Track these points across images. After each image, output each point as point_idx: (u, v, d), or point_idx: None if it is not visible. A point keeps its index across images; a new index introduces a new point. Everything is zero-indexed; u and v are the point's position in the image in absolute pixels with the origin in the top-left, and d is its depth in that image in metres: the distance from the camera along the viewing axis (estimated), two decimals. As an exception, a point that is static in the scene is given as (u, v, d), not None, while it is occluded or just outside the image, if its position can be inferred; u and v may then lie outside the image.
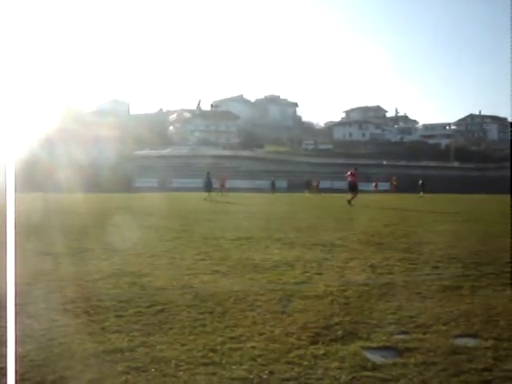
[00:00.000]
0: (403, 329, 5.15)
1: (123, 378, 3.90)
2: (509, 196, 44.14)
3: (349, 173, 31.51)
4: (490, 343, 4.72)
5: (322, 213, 23.98)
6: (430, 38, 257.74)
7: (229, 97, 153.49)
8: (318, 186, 63.25)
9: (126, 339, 4.76)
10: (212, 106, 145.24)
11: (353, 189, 30.24)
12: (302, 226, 15.93)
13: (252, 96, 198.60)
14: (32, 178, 38.93)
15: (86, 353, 4.42)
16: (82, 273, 7.86)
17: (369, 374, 4.02)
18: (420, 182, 56.93)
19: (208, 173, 43.70)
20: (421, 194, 52.54)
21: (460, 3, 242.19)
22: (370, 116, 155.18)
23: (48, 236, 12.88)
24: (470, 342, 4.79)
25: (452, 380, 3.93)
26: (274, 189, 61.78)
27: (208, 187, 41.89)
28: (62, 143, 61.15)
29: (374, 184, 64.58)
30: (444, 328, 5.17)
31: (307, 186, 62.61)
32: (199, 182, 71.70)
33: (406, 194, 56.40)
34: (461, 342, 4.80)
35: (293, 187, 71.52)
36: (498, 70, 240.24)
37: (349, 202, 28.63)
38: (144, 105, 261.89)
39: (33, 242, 11.03)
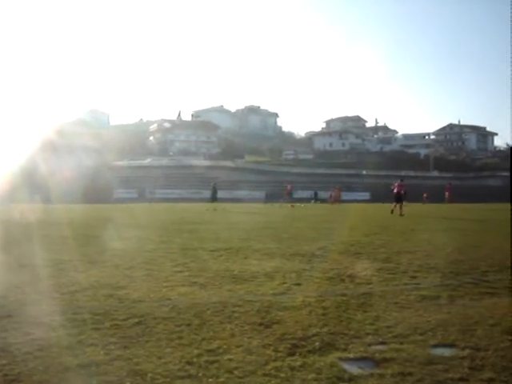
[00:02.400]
0: (380, 339, 5.14)
1: (97, 392, 3.86)
2: (485, 205, 44.75)
3: (396, 184, 32.63)
4: (466, 353, 4.72)
5: (303, 223, 24.01)
6: (409, 49, 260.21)
7: (209, 107, 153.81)
8: (290, 192, 59.03)
9: (102, 352, 4.70)
10: (192, 116, 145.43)
11: (398, 199, 31.43)
12: (281, 236, 15.92)
13: (232, 106, 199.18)
14: (10, 189, 38.63)
15: (61, 366, 4.36)
16: (58, 285, 7.77)
17: (346, 385, 4.01)
18: (402, 192, 56.88)
19: (214, 184, 44.62)
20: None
21: (437, 11, 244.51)
22: (350, 126, 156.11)
23: (24, 248, 12.75)
24: (447, 352, 4.79)
25: (428, 390, 3.93)
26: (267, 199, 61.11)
27: (214, 197, 42.60)
28: (41, 154, 60.70)
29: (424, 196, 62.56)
30: (421, 338, 5.18)
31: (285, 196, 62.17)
32: (179, 192, 71.91)
33: (383, 203, 56.67)
34: (437, 351, 4.81)
35: (272, 197, 71.49)
36: (477, 80, 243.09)
37: (392, 211, 30.46)
38: (124, 115, 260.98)
39: (8, 254, 10.92)
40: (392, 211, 30.39)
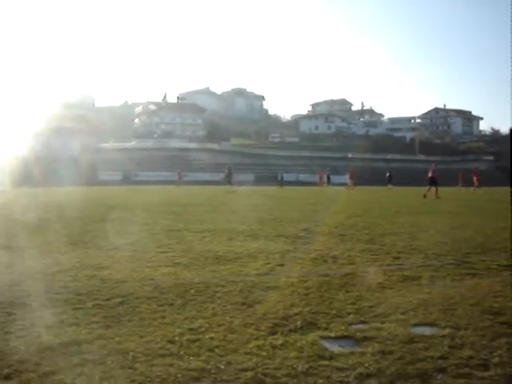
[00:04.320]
0: (362, 318, 5.18)
1: (78, 371, 3.85)
2: (469, 188, 45.02)
3: (431, 169, 33.66)
4: (446, 331, 4.77)
5: (287, 205, 24.05)
6: (395, 32, 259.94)
7: (195, 89, 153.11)
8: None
9: (84, 332, 4.69)
10: (178, 98, 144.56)
11: (433, 183, 32.61)
12: (265, 218, 15.94)
13: (218, 89, 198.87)
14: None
15: (43, 346, 4.35)
16: (40, 266, 7.74)
17: (326, 363, 4.03)
18: (387, 174, 56.97)
19: (229, 167, 45.59)
20: (389, 186, 52.98)
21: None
22: (336, 109, 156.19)
23: (7, 230, 12.68)
24: (427, 331, 4.83)
25: (408, 368, 3.96)
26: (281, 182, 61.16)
27: (229, 180, 44.89)
28: (26, 136, 60.24)
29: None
30: (402, 317, 5.21)
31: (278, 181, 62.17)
32: (164, 174, 71.69)
33: (372, 186, 56.92)
34: (418, 330, 4.84)
35: (260, 180, 71.54)
36: (462, 64, 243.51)
37: (424, 195, 30.85)
38: (109, 97, 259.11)
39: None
40: (425, 195, 30.97)
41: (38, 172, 41.78)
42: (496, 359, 4.12)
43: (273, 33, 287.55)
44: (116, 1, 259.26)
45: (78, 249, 9.46)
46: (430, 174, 33.38)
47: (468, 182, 52.89)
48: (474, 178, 49.25)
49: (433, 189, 32.03)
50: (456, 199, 30.10)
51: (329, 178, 67.02)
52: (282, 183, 60.44)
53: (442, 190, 33.54)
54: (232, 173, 46.98)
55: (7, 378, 3.77)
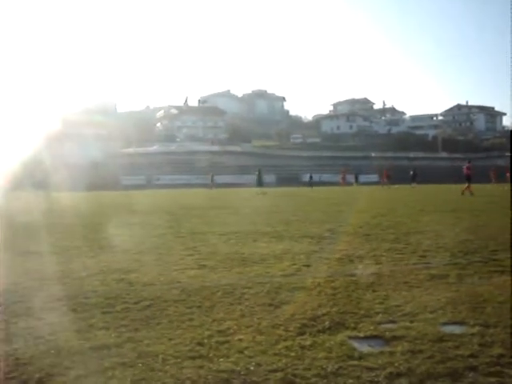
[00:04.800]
0: (390, 318, 5.15)
1: (110, 374, 3.88)
2: (493, 185, 44.54)
3: (465, 166, 34.64)
4: (476, 330, 4.73)
5: (310, 206, 24.01)
6: (417, 31, 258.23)
7: (216, 92, 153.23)
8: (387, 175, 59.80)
9: (113, 335, 4.73)
10: (199, 101, 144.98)
11: (468, 179, 33.01)
12: (290, 219, 15.92)
13: (239, 91, 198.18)
14: (20, 177, 38.78)
15: (73, 350, 4.39)
16: (68, 271, 7.82)
17: (355, 363, 4.01)
18: (411, 172, 56.82)
19: (259, 169, 46.50)
20: (412, 184, 52.75)
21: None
22: (358, 108, 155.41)
23: (34, 235, 12.81)
24: (457, 329, 4.80)
25: (438, 367, 3.93)
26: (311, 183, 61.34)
27: (260, 183, 44.38)
28: (50, 142, 60.78)
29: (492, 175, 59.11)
30: (431, 316, 5.18)
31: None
32: (187, 178, 71.97)
33: (396, 184, 56.62)
34: (447, 329, 4.81)
35: (281, 181, 71.50)
36: (485, 61, 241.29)
37: (462, 192, 31.45)
38: (131, 102, 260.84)
39: (19, 241, 10.98)
40: (463, 193, 31.45)
41: (60, 177, 42.11)
42: (527, 356, 4.08)
43: (293, 33, 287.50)
44: (137, 6, 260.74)
45: (105, 253, 9.54)
46: (465, 172, 33.89)
47: (500, 179, 52.57)
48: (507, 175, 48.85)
49: (465, 185, 32.39)
50: (484, 196, 29.75)
51: (356, 178, 66.93)
52: (312, 184, 60.38)
53: (474, 187, 33.30)
54: (262, 175, 47.74)
55: (39, 382, 3.81)
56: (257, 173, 48.61)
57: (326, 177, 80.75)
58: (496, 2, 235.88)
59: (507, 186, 38.67)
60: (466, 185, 32.46)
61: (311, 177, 64.29)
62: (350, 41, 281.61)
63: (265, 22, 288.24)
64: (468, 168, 33.75)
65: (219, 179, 70.07)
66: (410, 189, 47.17)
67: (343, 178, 64.82)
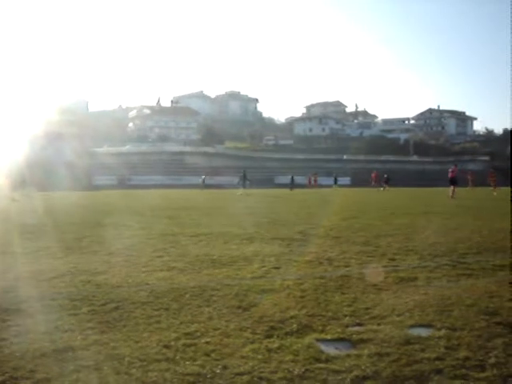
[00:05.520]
0: (358, 320, 5.18)
1: (74, 377, 3.84)
2: (465, 188, 45.12)
3: (450, 169, 34.98)
4: (442, 333, 4.77)
5: (283, 207, 24.04)
6: (389, 34, 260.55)
7: (189, 93, 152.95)
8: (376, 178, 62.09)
9: (79, 337, 4.68)
10: (172, 102, 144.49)
11: (453, 182, 33.56)
12: (261, 221, 15.92)
13: (212, 92, 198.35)
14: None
15: (38, 352, 4.34)
16: (35, 272, 7.72)
17: (322, 365, 4.03)
18: (385, 176, 57.79)
19: (244, 171, 47.33)
20: (384, 187, 53.39)
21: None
22: (331, 111, 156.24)
23: (2, 235, 12.62)
24: (424, 332, 4.83)
25: (405, 370, 3.97)
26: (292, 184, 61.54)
27: (243, 183, 47.21)
28: (20, 141, 60.01)
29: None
30: (398, 319, 5.21)
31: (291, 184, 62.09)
32: (159, 178, 71.61)
33: (367, 188, 57.06)
34: (414, 332, 4.85)
35: (254, 183, 71.39)
36: (455, 65, 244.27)
37: (451, 196, 31.72)
38: (103, 101, 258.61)
39: None
40: (452, 196, 31.79)
41: (32, 177, 41.60)
42: (492, 360, 4.13)
43: (266, 35, 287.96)
44: (110, 4, 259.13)
45: (73, 254, 9.43)
46: (450, 175, 34.40)
47: (476, 182, 53.41)
48: (489, 179, 49.43)
49: (451, 188, 32.85)
50: (458, 199, 30.07)
51: (335, 180, 67.33)
52: (293, 186, 60.46)
53: (443, 190, 33.85)
54: (247, 176, 48.25)
55: (2, 385, 3.76)
56: (241, 174, 49.10)
57: (298, 179, 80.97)
58: (471, 6, 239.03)
59: (496, 191, 39.21)
60: (452, 188, 33.02)
61: (293, 178, 64.21)
62: (323, 44, 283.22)
63: (238, 24, 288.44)
64: (453, 171, 34.40)
65: (191, 180, 69.94)
66: (381, 191, 47.56)
67: (315, 181, 65.07)
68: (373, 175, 61.53)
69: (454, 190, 32.31)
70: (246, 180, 47.99)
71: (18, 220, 16.67)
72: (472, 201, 29.15)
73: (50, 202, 28.73)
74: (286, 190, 52.22)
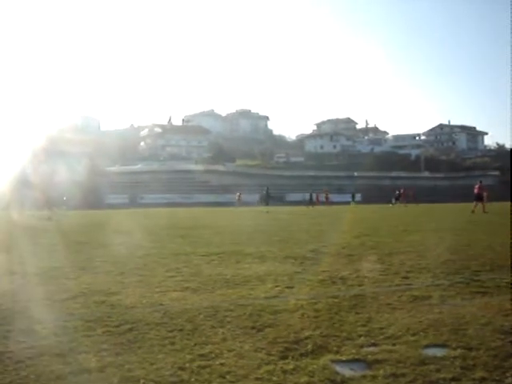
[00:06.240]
0: (372, 341, 5.14)
1: (90, 400, 3.84)
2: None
3: (476, 186, 36.36)
4: (458, 352, 4.73)
5: (293, 226, 24.02)
6: (400, 50, 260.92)
7: (200, 111, 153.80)
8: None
9: (94, 359, 4.67)
10: (183, 120, 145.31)
11: (479, 199, 35.38)
12: (272, 239, 15.91)
13: (223, 110, 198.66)
14: (1, 195, 38.49)
15: (53, 375, 4.33)
16: (48, 292, 7.73)
17: (338, 387, 4.01)
18: (397, 192, 58.16)
19: (267, 188, 47.80)
20: (394, 203, 53.54)
21: (431, 13, 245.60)
22: (341, 128, 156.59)
23: (15, 255, 12.67)
24: (439, 352, 4.79)
25: (420, 391, 3.94)
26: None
27: (266, 201, 45.37)
28: (32, 161, 60.40)
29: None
30: (413, 338, 5.18)
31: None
32: (170, 196, 71.83)
33: (378, 204, 56.90)
34: (430, 352, 4.81)
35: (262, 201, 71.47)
36: (466, 80, 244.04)
37: (472, 211, 32.90)
38: (115, 120, 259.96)
39: None
40: (473, 211, 32.97)
41: (42, 196, 41.81)
42: (509, 380, 4.09)
43: (276, 53, 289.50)
44: (121, 23, 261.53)
45: (86, 274, 9.45)
46: (476, 191, 35.53)
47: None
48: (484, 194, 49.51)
49: (480, 204, 33.99)
50: (468, 215, 29.94)
51: (353, 197, 67.58)
52: (313, 203, 60.62)
53: (456, 206, 34.06)
54: (269, 194, 49.08)
55: (18, 408, 3.76)
56: (264, 192, 49.88)
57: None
58: (479, 22, 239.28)
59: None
60: (480, 203, 34.04)
61: (311, 195, 64.07)
62: (332, 61, 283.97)
63: (248, 42, 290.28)
64: (480, 188, 35.42)
65: (202, 198, 70.08)
66: (394, 208, 47.53)
67: (326, 197, 65.06)
68: (403, 191, 62.02)
69: (483, 206, 33.50)
70: (268, 197, 48.64)
71: (30, 239, 16.72)
72: (484, 216, 29.03)
73: (61, 221, 28.84)
74: (304, 208, 52.23)
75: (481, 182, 37.42)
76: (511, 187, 43.10)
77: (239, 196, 60.49)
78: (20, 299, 7.32)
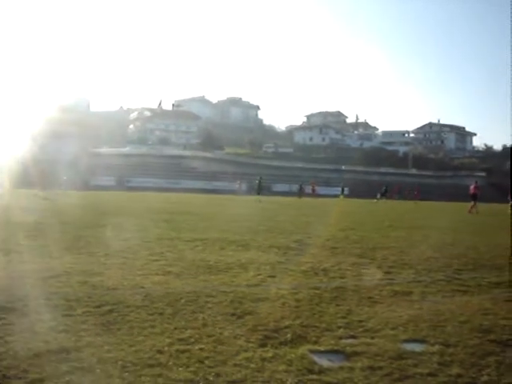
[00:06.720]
0: (352, 333, 5.18)
1: (67, 378, 3.84)
2: (463, 204, 45.20)
3: (472, 186, 36.45)
4: (436, 348, 4.78)
5: (281, 215, 24.05)
6: (393, 46, 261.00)
7: (191, 97, 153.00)
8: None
9: (73, 339, 4.67)
10: (173, 105, 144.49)
11: (474, 198, 35.04)
12: (258, 228, 15.93)
13: (214, 97, 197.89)
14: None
15: (32, 352, 4.33)
16: (32, 271, 7.71)
17: (315, 377, 4.03)
18: (384, 188, 58.24)
19: (260, 177, 47.64)
20: (379, 198, 53.58)
21: (426, 12, 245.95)
22: (331, 121, 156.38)
23: (1, 233, 12.60)
24: (417, 347, 4.84)
25: (396, 384, 3.97)
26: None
27: (258, 190, 48.34)
28: (23, 138, 60.00)
29: None
30: (392, 333, 5.22)
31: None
32: (157, 181, 71.55)
33: (365, 199, 57.09)
34: (408, 346, 4.85)
35: (252, 190, 71.35)
36: (457, 80, 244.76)
37: (469, 211, 33.22)
38: (104, 102, 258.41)
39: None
40: (470, 211, 33.22)
41: (35, 174, 41.52)
42: (485, 378, 4.14)
43: (269, 43, 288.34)
44: (113, 5, 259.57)
45: (70, 254, 9.41)
46: (471, 191, 35.65)
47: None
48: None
49: (471, 203, 34.15)
50: (456, 214, 30.14)
51: (343, 190, 67.70)
52: (302, 194, 60.62)
53: (443, 205, 34.10)
54: (262, 183, 48.81)
55: (-5, 384, 3.75)
56: (257, 181, 49.62)
57: (296, 187, 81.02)
58: (471, 22, 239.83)
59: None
60: (472, 203, 34.10)
61: (301, 186, 64.00)
62: (325, 54, 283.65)
63: (242, 30, 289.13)
64: (475, 187, 35.45)
65: (190, 184, 69.95)
66: (380, 203, 47.68)
67: (313, 189, 64.99)
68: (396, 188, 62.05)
69: (474, 205, 33.56)
70: (261, 187, 48.52)
71: (15, 218, 16.64)
72: (474, 216, 29.28)
73: (47, 201, 28.68)
74: (293, 198, 52.39)
75: (476, 182, 37.84)
76: (511, 188, 43.16)
77: (240, 184, 60.63)
78: (2, 276, 7.29)
